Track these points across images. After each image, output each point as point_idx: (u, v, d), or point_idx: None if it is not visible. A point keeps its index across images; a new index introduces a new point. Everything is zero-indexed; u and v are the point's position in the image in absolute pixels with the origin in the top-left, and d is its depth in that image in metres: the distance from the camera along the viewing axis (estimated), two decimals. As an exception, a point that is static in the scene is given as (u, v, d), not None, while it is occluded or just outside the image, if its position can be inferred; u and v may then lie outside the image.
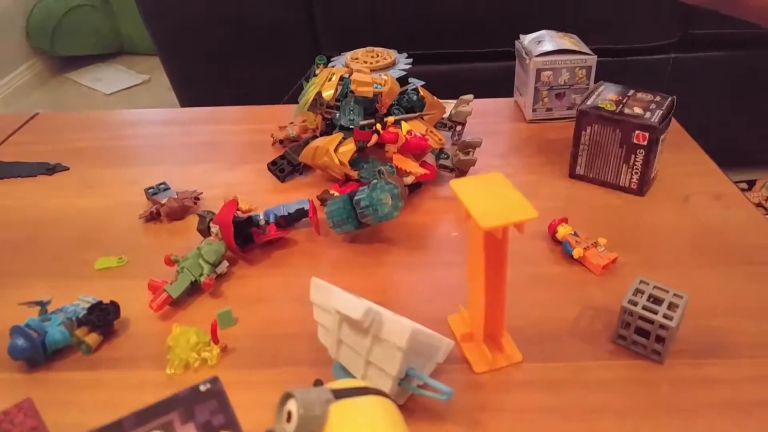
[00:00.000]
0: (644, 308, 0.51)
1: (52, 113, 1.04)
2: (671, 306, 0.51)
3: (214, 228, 0.66)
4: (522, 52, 0.93)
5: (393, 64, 0.84)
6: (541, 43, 0.90)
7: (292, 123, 0.91)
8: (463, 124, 0.83)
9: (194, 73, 1.70)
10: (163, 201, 0.73)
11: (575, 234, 0.65)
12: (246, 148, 0.91)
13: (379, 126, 0.73)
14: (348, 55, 0.86)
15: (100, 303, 0.56)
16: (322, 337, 0.52)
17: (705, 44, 1.49)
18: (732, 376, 0.51)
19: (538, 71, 0.89)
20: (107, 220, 0.74)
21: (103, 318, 0.55)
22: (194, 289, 0.62)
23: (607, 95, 0.76)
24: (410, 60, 0.87)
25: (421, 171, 0.73)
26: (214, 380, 0.40)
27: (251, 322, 0.59)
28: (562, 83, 0.90)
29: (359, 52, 0.86)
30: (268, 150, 0.89)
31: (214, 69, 1.67)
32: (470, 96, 0.83)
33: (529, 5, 1.42)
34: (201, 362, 0.54)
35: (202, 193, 0.78)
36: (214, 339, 0.55)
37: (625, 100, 0.74)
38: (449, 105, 0.86)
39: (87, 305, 0.56)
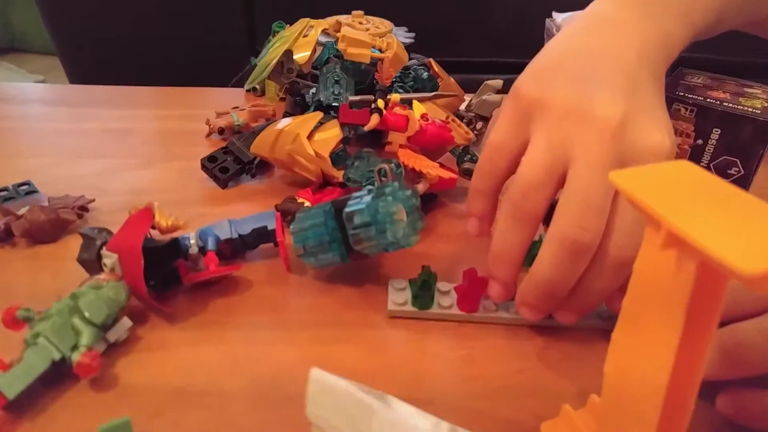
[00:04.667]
0: None
1: None
2: None
3: (109, 258, 0.38)
4: (553, 31, 0.71)
5: (389, 35, 0.60)
6: (581, 16, 0.68)
7: (236, 107, 0.64)
8: (488, 119, 0.59)
9: (101, 71, 1.37)
10: (22, 211, 0.44)
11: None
12: (168, 138, 0.62)
13: (381, 103, 0.48)
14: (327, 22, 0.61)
15: None
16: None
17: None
18: None
19: (575, 53, 0.67)
20: None
21: None
22: (60, 374, 0.33)
23: (695, 81, 0.55)
24: (412, 34, 0.63)
25: (446, 174, 0.48)
26: None
27: (170, 441, 0.31)
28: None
29: (343, 18, 0.61)
30: (201, 142, 0.61)
31: (126, 65, 1.34)
32: (498, 81, 0.60)
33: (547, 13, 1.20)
34: None
35: (93, 200, 0.49)
36: (93, 487, 0.27)
37: (723, 89, 0.53)
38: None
39: None
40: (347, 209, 0.39)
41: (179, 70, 1.18)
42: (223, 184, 0.53)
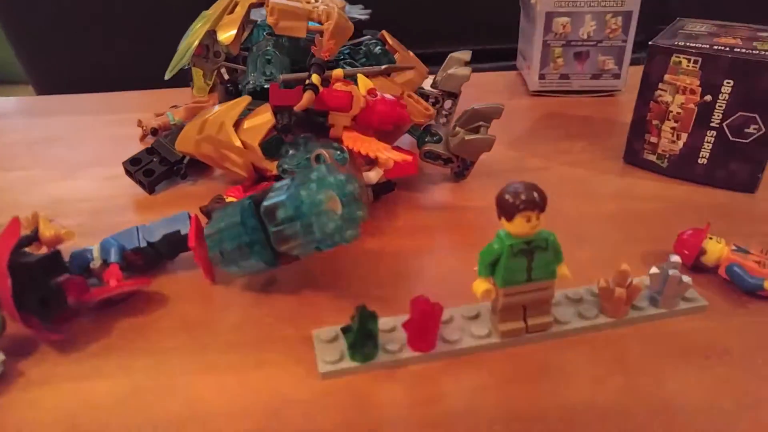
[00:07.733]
0: None
1: None
2: None
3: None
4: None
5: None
6: (555, -23, 0.61)
7: (174, 106, 0.58)
8: (456, 96, 0.52)
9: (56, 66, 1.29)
10: None
11: (741, 249, 0.35)
12: (99, 145, 0.56)
13: (316, 78, 0.41)
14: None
15: None
16: None
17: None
18: None
19: (549, 16, 0.60)
20: None
21: None
22: None
23: (697, 29, 0.48)
24: (367, 11, 0.56)
25: (399, 156, 0.40)
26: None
27: None
28: (585, 37, 0.61)
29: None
30: (134, 147, 0.55)
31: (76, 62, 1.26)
32: (467, 53, 0.52)
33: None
34: None
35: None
36: None
37: (732, 35, 0.46)
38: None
39: None
40: (265, 203, 0.32)
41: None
42: (150, 189, 0.46)
